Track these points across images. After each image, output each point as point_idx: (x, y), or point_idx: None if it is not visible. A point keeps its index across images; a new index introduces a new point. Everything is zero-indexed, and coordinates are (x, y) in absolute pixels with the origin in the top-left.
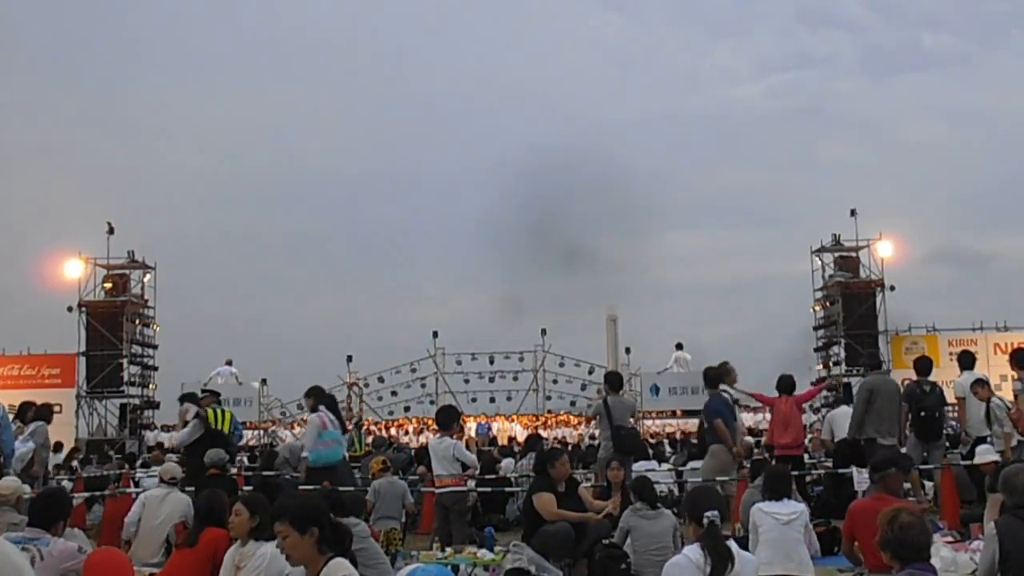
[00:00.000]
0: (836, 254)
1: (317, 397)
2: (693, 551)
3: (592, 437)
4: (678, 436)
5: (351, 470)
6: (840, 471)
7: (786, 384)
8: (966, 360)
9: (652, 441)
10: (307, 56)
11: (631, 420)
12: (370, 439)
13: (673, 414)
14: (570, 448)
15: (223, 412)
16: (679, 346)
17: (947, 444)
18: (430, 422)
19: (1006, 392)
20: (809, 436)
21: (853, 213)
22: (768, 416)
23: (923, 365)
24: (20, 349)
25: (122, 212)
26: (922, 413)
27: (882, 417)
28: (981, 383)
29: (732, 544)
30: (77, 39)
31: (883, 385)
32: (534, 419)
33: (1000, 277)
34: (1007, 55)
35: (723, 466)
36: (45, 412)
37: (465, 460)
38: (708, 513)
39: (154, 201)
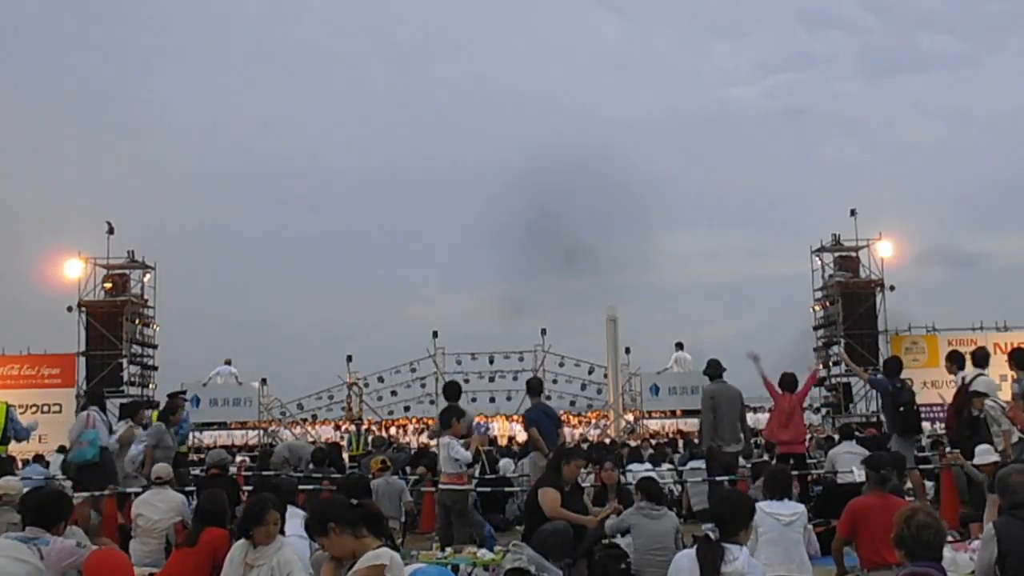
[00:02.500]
0: (836, 254)
1: (88, 397)
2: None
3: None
4: (678, 436)
5: (113, 467)
6: (839, 471)
7: (789, 381)
8: (980, 357)
9: (652, 441)
10: (307, 57)
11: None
12: (370, 439)
13: (673, 414)
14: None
15: None
16: (679, 346)
17: (919, 440)
18: (430, 422)
19: (1005, 392)
20: (810, 436)
21: (853, 213)
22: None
23: (893, 365)
24: (20, 349)
25: (122, 212)
26: (901, 408)
27: (723, 425)
28: (978, 395)
29: (743, 551)
30: (77, 40)
31: (718, 393)
32: None
33: (999, 276)
34: (1005, 56)
35: (538, 471)
36: (167, 413)
37: (459, 458)
38: (705, 526)
39: (154, 201)
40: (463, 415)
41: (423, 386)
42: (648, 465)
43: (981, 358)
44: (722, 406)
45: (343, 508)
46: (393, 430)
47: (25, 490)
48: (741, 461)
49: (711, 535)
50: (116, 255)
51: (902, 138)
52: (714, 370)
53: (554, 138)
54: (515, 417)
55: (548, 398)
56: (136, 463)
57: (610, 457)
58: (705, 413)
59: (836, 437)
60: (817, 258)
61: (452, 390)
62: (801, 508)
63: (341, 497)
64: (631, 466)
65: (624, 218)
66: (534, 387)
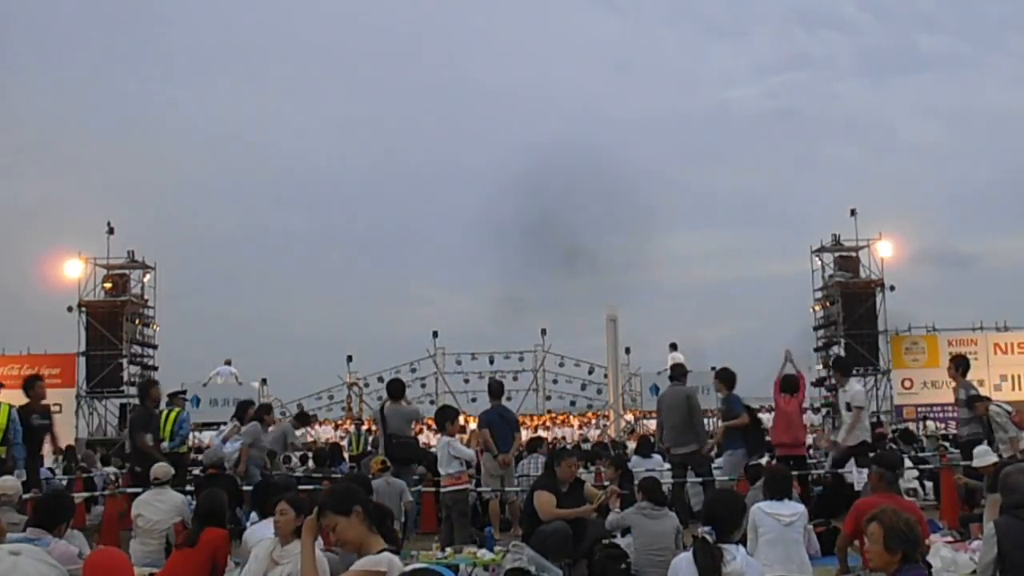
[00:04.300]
0: (836, 254)
1: None
2: None
3: (585, 439)
4: None
5: None
6: (840, 471)
7: (790, 384)
8: (846, 366)
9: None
10: (307, 57)
11: (413, 428)
12: (370, 439)
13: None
14: (569, 448)
15: (169, 413)
16: (673, 346)
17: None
18: (430, 422)
19: (1005, 393)
20: (812, 436)
21: (853, 213)
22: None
23: (728, 378)
24: (20, 349)
25: (122, 212)
26: (762, 426)
27: (666, 427)
28: (981, 400)
29: (740, 550)
30: (77, 39)
31: (664, 397)
32: (535, 419)
33: (999, 276)
34: (1005, 56)
35: (490, 472)
36: (263, 413)
37: (461, 455)
38: (702, 529)
39: (154, 201)
40: (455, 417)
41: (423, 386)
42: (658, 459)
43: (496, 390)
44: (663, 410)
45: (369, 500)
46: None
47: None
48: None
49: (708, 538)
50: (116, 255)
51: (902, 138)
52: (673, 372)
53: (554, 138)
54: None
55: (548, 398)
56: (231, 462)
57: (608, 455)
58: (657, 417)
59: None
60: (817, 258)
61: (394, 388)
62: (801, 508)
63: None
64: (633, 459)
65: (624, 218)
66: (495, 390)
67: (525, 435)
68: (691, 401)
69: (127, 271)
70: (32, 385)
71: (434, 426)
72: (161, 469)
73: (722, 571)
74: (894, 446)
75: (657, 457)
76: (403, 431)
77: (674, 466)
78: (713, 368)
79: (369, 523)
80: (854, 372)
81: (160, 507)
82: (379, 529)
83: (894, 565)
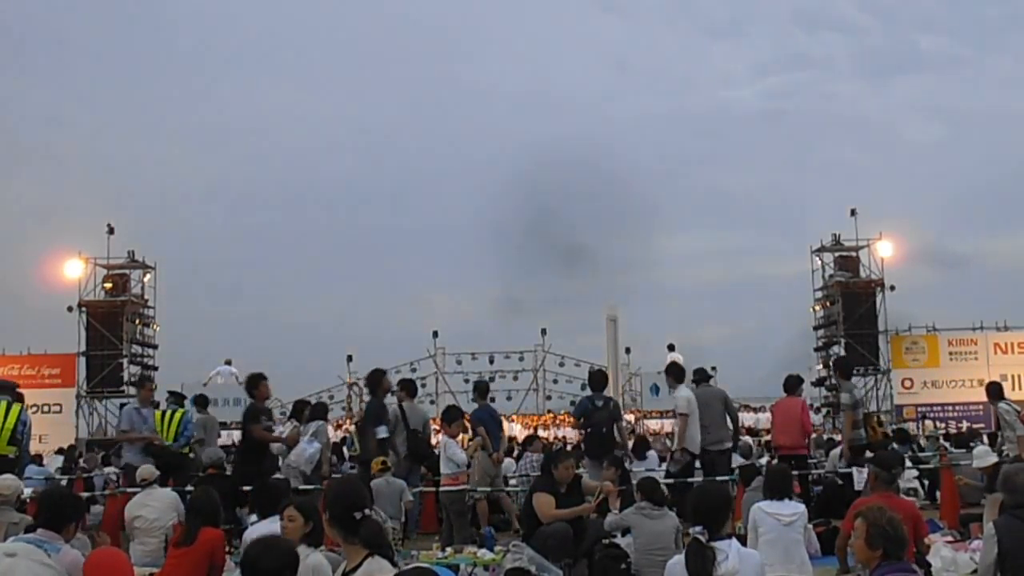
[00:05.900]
0: (836, 254)
1: None
2: None
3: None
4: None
5: None
6: (840, 471)
7: (789, 384)
8: (678, 372)
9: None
10: (307, 57)
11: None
12: None
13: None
14: (570, 448)
15: (173, 413)
16: (671, 347)
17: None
18: (433, 423)
19: (1004, 393)
20: (814, 435)
21: (853, 213)
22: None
23: (597, 380)
24: (20, 349)
25: (122, 212)
26: (589, 429)
27: (703, 426)
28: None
29: (733, 545)
30: (78, 40)
31: (700, 397)
32: (534, 419)
33: (1000, 276)
34: (1004, 57)
35: (485, 470)
36: (321, 411)
37: (452, 458)
38: (693, 529)
39: (154, 201)
40: (456, 418)
41: (423, 386)
42: (654, 455)
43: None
44: (699, 407)
45: (346, 513)
46: None
47: (28, 490)
48: (740, 460)
49: (700, 538)
50: (116, 255)
51: (902, 138)
52: (696, 376)
53: (554, 137)
54: (515, 417)
55: (549, 398)
56: (313, 462)
57: (608, 456)
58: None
59: (837, 438)
60: (817, 258)
61: (411, 387)
62: (801, 508)
63: (353, 498)
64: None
65: (624, 218)
66: (481, 390)
67: (524, 434)
68: (727, 400)
69: (127, 271)
70: (256, 385)
71: (433, 426)
72: (147, 470)
73: (713, 574)
74: (895, 446)
75: (652, 454)
76: (420, 428)
77: (704, 464)
78: (713, 368)
79: (344, 533)
80: (838, 373)
81: (155, 506)
82: (370, 547)
83: (875, 561)
